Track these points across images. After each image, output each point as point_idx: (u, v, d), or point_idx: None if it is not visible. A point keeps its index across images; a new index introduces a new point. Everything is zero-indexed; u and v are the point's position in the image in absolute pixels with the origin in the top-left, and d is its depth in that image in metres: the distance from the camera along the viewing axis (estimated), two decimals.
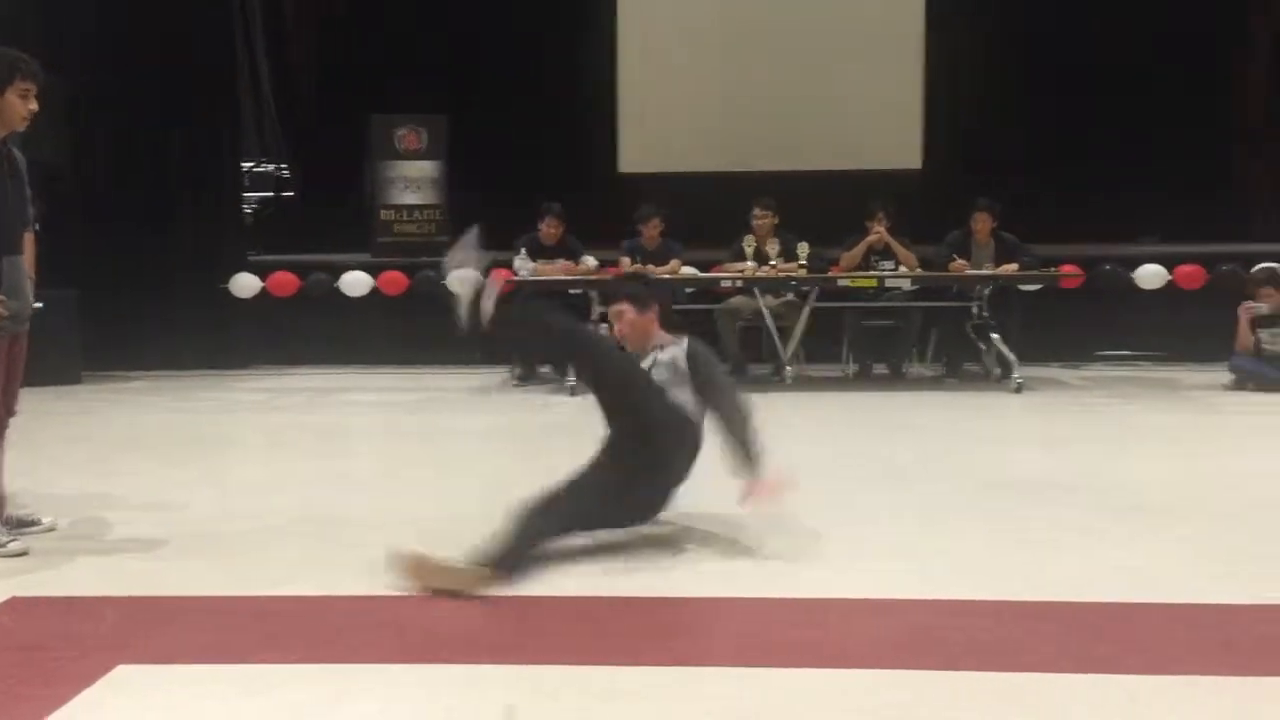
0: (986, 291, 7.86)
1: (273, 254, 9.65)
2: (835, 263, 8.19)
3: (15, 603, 3.34)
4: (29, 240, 4.01)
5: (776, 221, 8.19)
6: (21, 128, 3.89)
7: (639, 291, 4.11)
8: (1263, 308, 7.51)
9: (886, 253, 8.14)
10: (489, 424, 6.86)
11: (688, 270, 8.23)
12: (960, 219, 8.20)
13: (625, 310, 4.05)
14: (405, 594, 3.38)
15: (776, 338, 7.93)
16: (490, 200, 9.39)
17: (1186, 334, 8.64)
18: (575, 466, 3.83)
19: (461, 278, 3.90)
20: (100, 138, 9.13)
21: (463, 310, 3.86)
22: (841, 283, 7.90)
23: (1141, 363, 8.80)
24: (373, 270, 9.07)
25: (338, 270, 9.07)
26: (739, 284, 7.97)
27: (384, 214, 9.52)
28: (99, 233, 8.91)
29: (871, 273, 7.97)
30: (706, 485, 3.95)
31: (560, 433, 6.52)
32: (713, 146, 10.42)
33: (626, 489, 3.83)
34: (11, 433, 4.08)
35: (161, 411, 7.38)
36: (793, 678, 2.75)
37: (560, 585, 3.49)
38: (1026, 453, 5.77)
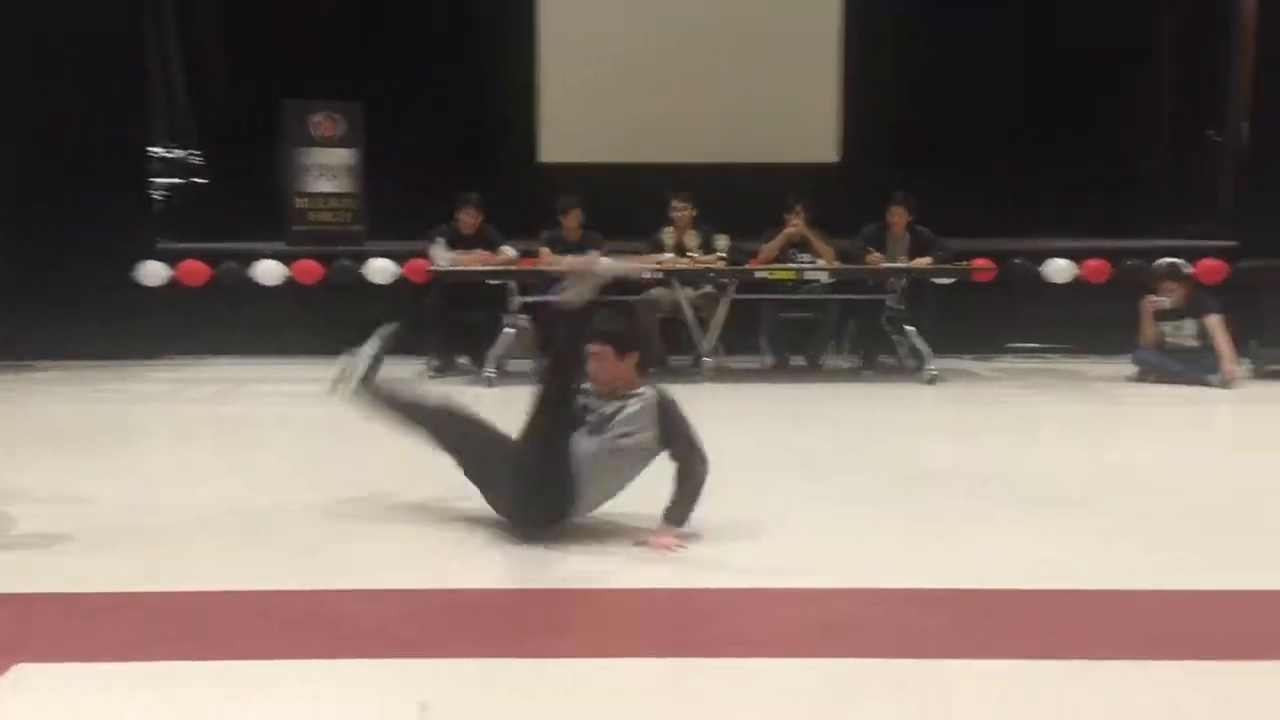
0: (902, 285, 7.98)
1: (183, 242, 9.43)
2: (753, 255, 8.25)
3: None
4: None
5: (695, 214, 8.22)
6: None
7: (624, 334, 3.94)
8: (1165, 302, 7.72)
9: (804, 246, 8.21)
10: None
11: (606, 262, 8.21)
12: (877, 213, 8.31)
13: (606, 353, 3.86)
14: (321, 588, 3.35)
15: (695, 329, 7.97)
16: (408, 189, 9.30)
17: (1093, 327, 8.86)
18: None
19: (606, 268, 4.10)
20: (2, 122, 8.83)
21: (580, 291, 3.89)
22: (759, 275, 7.96)
23: (1050, 355, 9.00)
24: (287, 259, 8.91)
25: (250, 259, 8.89)
26: (658, 275, 7.99)
27: (299, 202, 9.35)
28: (1, 219, 8.62)
29: (789, 265, 8.04)
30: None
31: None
32: (633, 138, 10.41)
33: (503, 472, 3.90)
34: None
35: (69, 402, 7.18)
36: (712, 667, 2.78)
37: (479, 578, 3.48)
38: (939, 443, 5.88)
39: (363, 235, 9.32)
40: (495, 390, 7.38)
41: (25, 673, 2.69)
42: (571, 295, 3.90)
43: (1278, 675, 2.75)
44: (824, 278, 8.07)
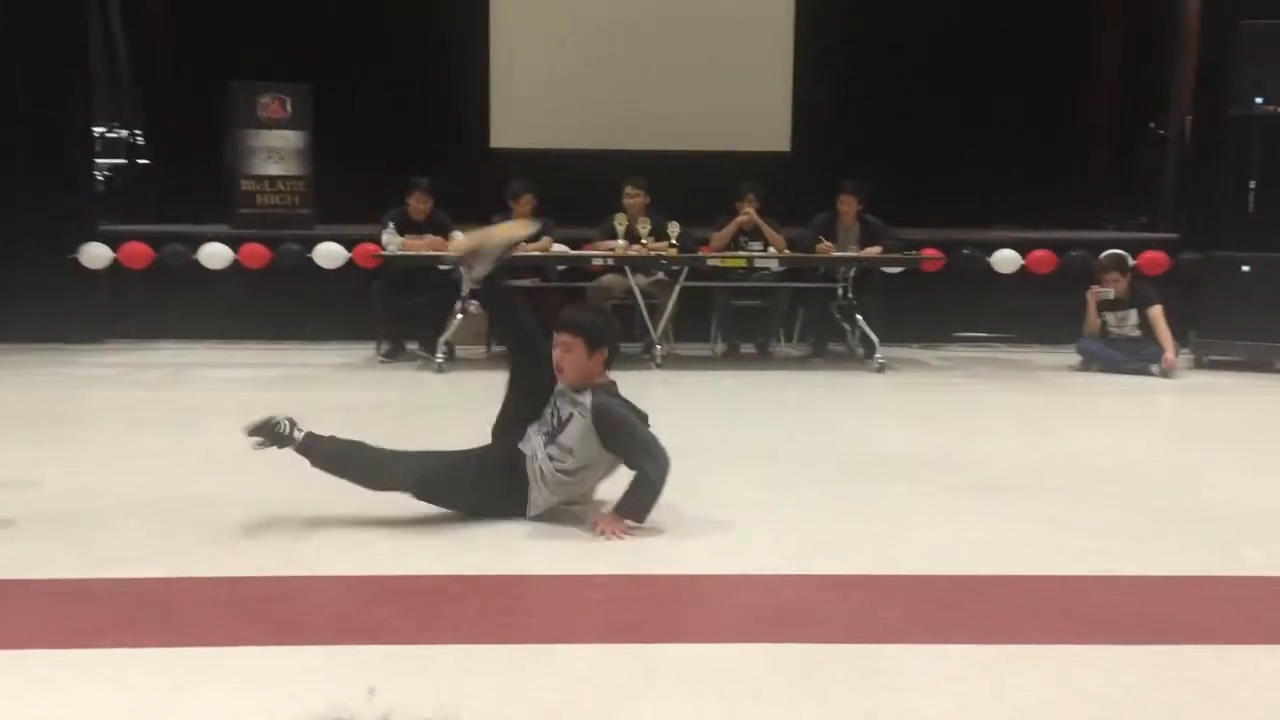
0: (851, 273, 8.03)
1: (126, 224, 9.27)
2: (705, 243, 8.26)
3: None
4: None
5: (647, 201, 8.21)
6: None
7: (597, 328, 3.87)
8: (1109, 293, 7.83)
9: (755, 234, 8.25)
10: (353, 400, 6.73)
11: (559, 248, 8.20)
12: (827, 202, 8.35)
13: (576, 345, 3.80)
14: (266, 575, 3.32)
15: (647, 316, 7.97)
16: (358, 173, 9.20)
17: (1038, 317, 8.97)
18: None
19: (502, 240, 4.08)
20: None
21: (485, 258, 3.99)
22: (711, 263, 7.98)
23: (996, 344, 9.11)
24: (233, 242, 8.79)
25: (195, 242, 8.75)
26: (610, 262, 7.98)
27: (245, 184, 9.21)
28: None
29: (740, 253, 8.07)
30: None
31: (426, 410, 6.46)
32: (586, 124, 10.39)
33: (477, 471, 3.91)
34: None
35: (9, 386, 7.03)
36: (656, 652, 2.79)
37: (429, 564, 3.46)
38: (887, 431, 5.93)
39: (311, 219, 9.21)
40: (445, 376, 7.34)
41: None
42: (477, 273, 3.98)
43: (1217, 658, 2.81)
44: (774, 266, 8.10)
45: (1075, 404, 6.93)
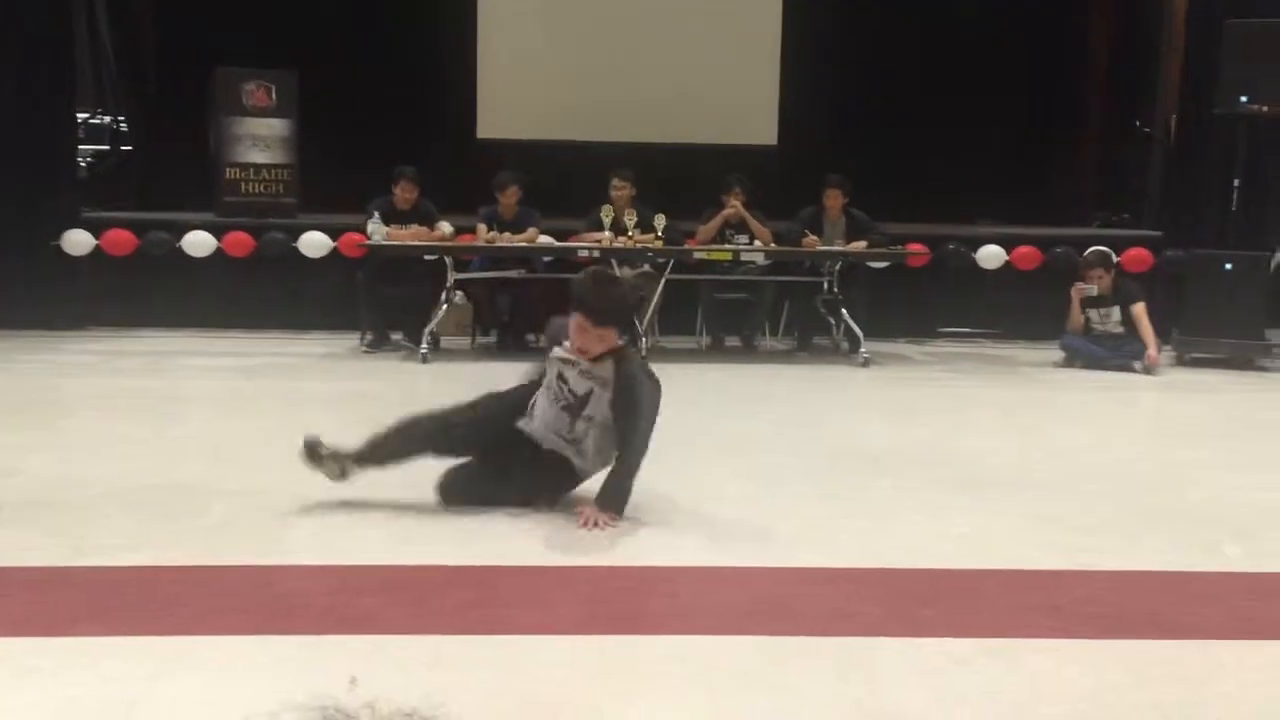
0: (837, 267, 8.04)
1: (109, 210, 9.21)
2: (691, 235, 8.26)
3: None
4: None
5: (634, 193, 8.21)
6: None
7: (597, 308, 3.73)
8: (1092, 289, 7.86)
9: (741, 227, 8.25)
10: (336, 390, 6.72)
11: (545, 239, 8.19)
12: (814, 196, 8.36)
13: (582, 323, 3.73)
14: (247, 564, 3.30)
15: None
16: (343, 162, 9.16)
17: (1022, 313, 9.01)
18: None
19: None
20: None
21: None
22: (697, 255, 7.98)
23: (981, 339, 9.14)
24: (217, 231, 8.74)
25: (179, 229, 8.70)
26: (596, 254, 7.97)
27: (230, 172, 9.16)
28: None
29: (726, 246, 8.07)
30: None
31: (410, 400, 6.41)
32: (572, 115, 10.37)
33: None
34: None
35: None
36: (640, 644, 2.79)
37: (409, 554, 3.45)
38: (872, 425, 5.94)
39: (295, 208, 9.17)
40: (430, 366, 7.32)
41: None
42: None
43: (1200, 654, 2.82)
44: (760, 259, 8.10)
45: (1059, 400, 6.95)
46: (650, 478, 3.90)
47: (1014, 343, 8.87)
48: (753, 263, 8.14)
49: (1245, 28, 8.06)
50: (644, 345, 7.79)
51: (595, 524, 3.69)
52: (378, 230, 7.85)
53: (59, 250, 8.57)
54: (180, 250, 8.58)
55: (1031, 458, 5.05)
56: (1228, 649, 2.85)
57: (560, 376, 3.88)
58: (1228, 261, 8.04)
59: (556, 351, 3.89)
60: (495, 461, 3.94)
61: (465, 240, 8.08)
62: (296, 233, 8.65)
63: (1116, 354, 7.68)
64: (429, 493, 3.93)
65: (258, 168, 9.17)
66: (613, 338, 3.81)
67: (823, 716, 2.43)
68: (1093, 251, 8.10)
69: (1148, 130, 10.14)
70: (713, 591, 3.20)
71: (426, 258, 8.02)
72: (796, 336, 8.62)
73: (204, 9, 10.25)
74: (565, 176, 9.23)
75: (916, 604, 3.12)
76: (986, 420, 6.27)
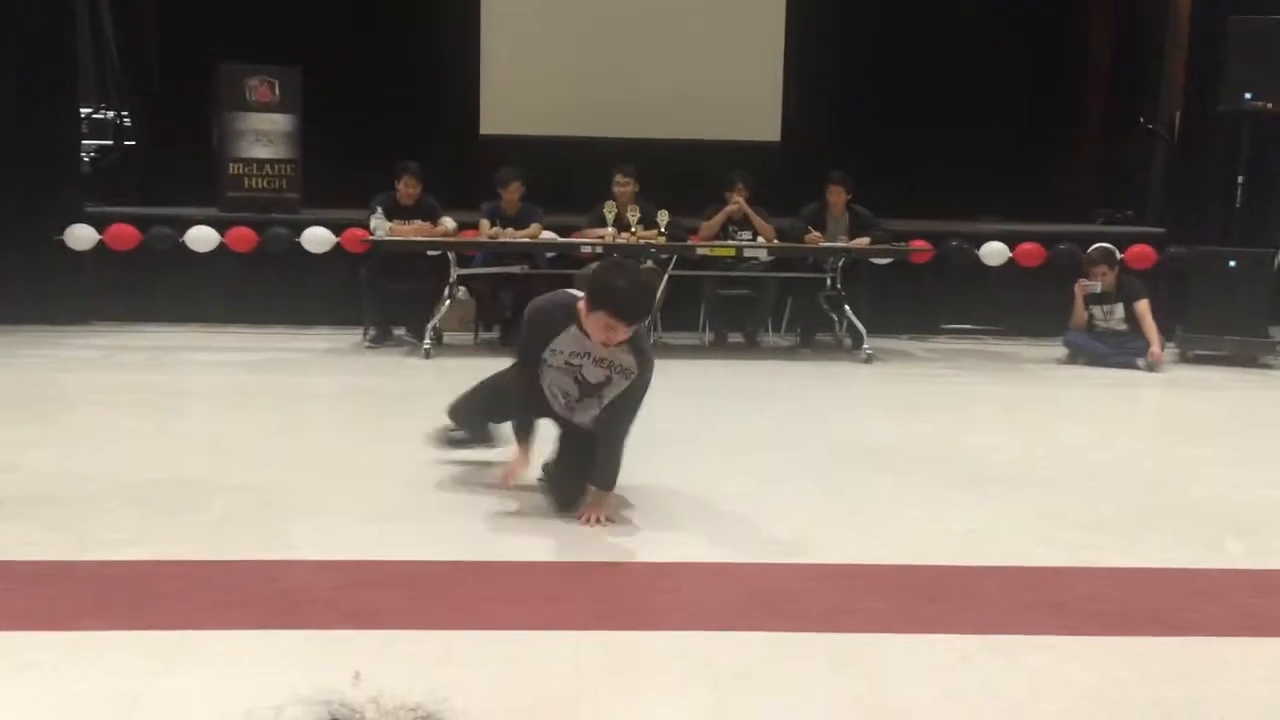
0: (840, 264, 8.03)
1: (112, 205, 9.21)
2: (694, 231, 8.25)
3: None
4: None
5: (637, 189, 8.19)
6: None
7: (589, 289, 3.62)
8: (1096, 286, 7.85)
9: (745, 223, 8.24)
10: (339, 385, 6.72)
11: (548, 235, 8.18)
12: (817, 192, 8.35)
13: (620, 327, 3.60)
14: (249, 559, 3.30)
15: None
16: (347, 157, 9.15)
17: (1025, 309, 9.00)
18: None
19: None
20: None
21: None
22: (700, 252, 7.97)
23: (984, 336, 9.13)
24: (220, 226, 8.74)
25: (182, 224, 8.70)
26: (599, 250, 7.96)
27: (233, 168, 9.16)
28: None
29: (729, 242, 8.06)
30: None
31: (413, 396, 6.44)
32: (576, 111, 10.35)
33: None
34: None
35: None
36: (642, 639, 2.79)
37: (412, 550, 3.45)
38: (874, 422, 5.94)
39: (299, 203, 9.16)
40: (432, 362, 7.32)
41: None
42: None
43: (1202, 651, 2.82)
44: (763, 255, 8.09)
45: (1061, 397, 6.95)
46: (653, 474, 3.91)
47: (1017, 339, 8.86)
48: (756, 259, 8.12)
49: (1250, 24, 8.04)
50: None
51: (596, 521, 3.69)
52: (381, 226, 7.84)
53: (62, 245, 8.57)
54: (183, 245, 8.58)
55: (1034, 454, 5.05)
56: (1230, 646, 2.85)
57: (567, 371, 3.76)
58: (1231, 259, 8.02)
59: (561, 348, 3.73)
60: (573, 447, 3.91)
61: (468, 236, 8.07)
62: (299, 228, 8.65)
63: (1120, 351, 7.67)
64: (431, 489, 3.93)
65: (261, 163, 9.16)
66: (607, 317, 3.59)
67: (824, 712, 2.43)
68: (1096, 248, 8.09)
69: (1151, 127, 10.12)
70: (715, 587, 3.21)
71: (429, 253, 8.02)
72: (799, 333, 8.61)
73: (207, 4, 10.24)
74: (568, 172, 9.22)
75: (919, 600, 3.12)
76: (989, 417, 6.26)
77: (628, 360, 3.72)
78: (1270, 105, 7.98)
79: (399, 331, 8.19)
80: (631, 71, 10.41)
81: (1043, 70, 10.82)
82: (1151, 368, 7.53)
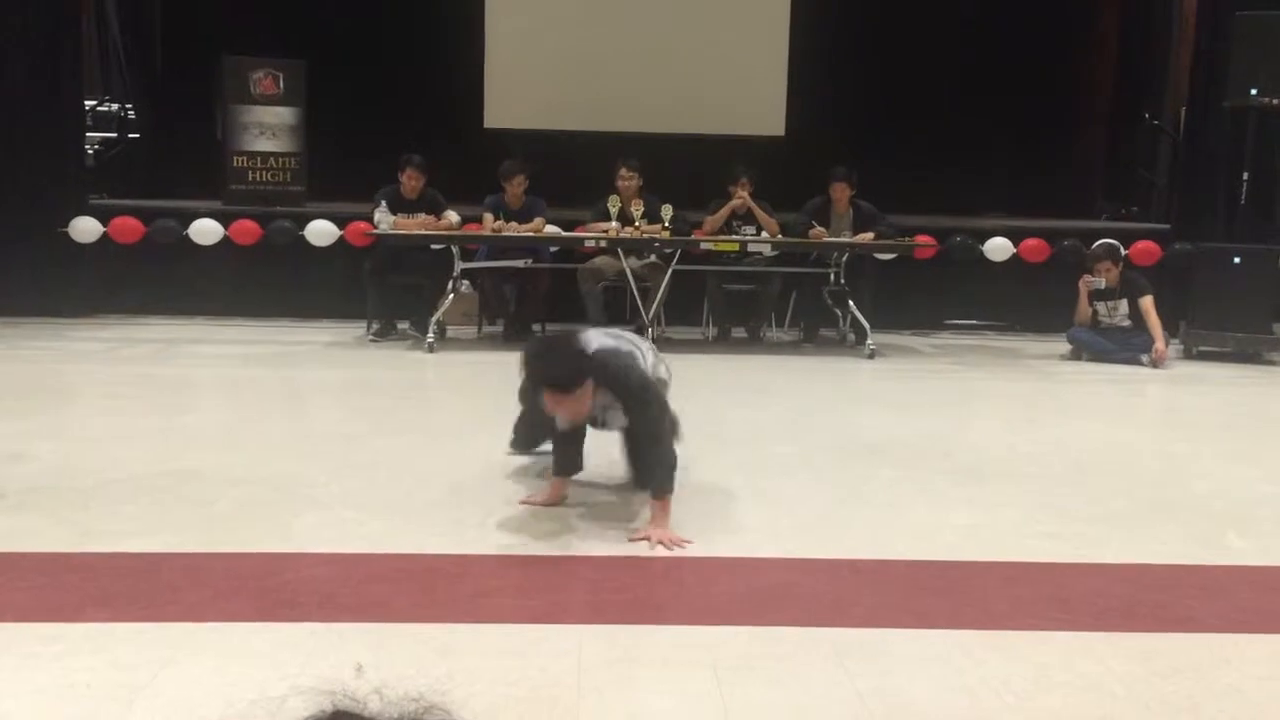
0: (844, 259, 8.03)
1: (116, 198, 9.22)
2: (698, 226, 8.25)
3: None
4: None
5: (641, 183, 8.19)
6: None
7: (561, 376, 3.51)
8: (1100, 282, 7.84)
9: (749, 218, 8.24)
10: (342, 379, 6.72)
11: (551, 229, 8.18)
12: (821, 187, 8.34)
13: (557, 398, 3.54)
14: (254, 551, 3.31)
15: (638, 299, 7.96)
16: (351, 151, 9.16)
17: (1030, 305, 8.99)
18: None
19: None
20: None
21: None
22: (704, 246, 7.96)
23: (987, 332, 9.13)
24: (224, 219, 8.74)
25: (186, 217, 8.70)
26: (602, 244, 7.96)
27: (237, 160, 9.17)
28: None
29: (733, 237, 8.05)
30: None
31: (416, 389, 6.45)
32: (580, 105, 10.35)
33: None
34: None
35: None
36: (645, 633, 2.79)
37: (417, 543, 3.45)
38: (878, 416, 5.93)
39: (303, 196, 9.17)
40: (436, 355, 7.32)
41: None
42: None
43: (1204, 646, 2.82)
44: (767, 250, 8.09)
45: (1065, 393, 6.94)
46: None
47: (1021, 335, 8.86)
48: (760, 254, 8.12)
49: (1256, 19, 8.02)
50: (650, 336, 7.80)
51: (660, 543, 3.46)
52: (384, 219, 7.84)
53: (66, 237, 8.58)
54: (187, 238, 8.59)
55: (1037, 450, 5.05)
56: (1233, 642, 2.85)
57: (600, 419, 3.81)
58: (1236, 255, 8.01)
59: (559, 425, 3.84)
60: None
61: (471, 229, 8.07)
62: (303, 221, 8.65)
63: (1124, 347, 7.67)
64: (434, 482, 3.94)
65: (265, 156, 9.17)
66: (589, 388, 3.54)
67: (826, 706, 2.43)
68: (1100, 244, 8.08)
69: (1157, 123, 10.10)
70: (717, 581, 3.21)
71: (433, 247, 8.02)
72: (803, 328, 8.61)
73: None
74: (572, 166, 9.23)
75: (921, 595, 3.12)
76: (993, 412, 6.26)
77: (616, 407, 3.70)
78: (1276, 101, 7.97)
79: (402, 325, 8.19)
80: (636, 66, 10.40)
81: (1047, 66, 10.80)
82: (1155, 364, 7.52)
